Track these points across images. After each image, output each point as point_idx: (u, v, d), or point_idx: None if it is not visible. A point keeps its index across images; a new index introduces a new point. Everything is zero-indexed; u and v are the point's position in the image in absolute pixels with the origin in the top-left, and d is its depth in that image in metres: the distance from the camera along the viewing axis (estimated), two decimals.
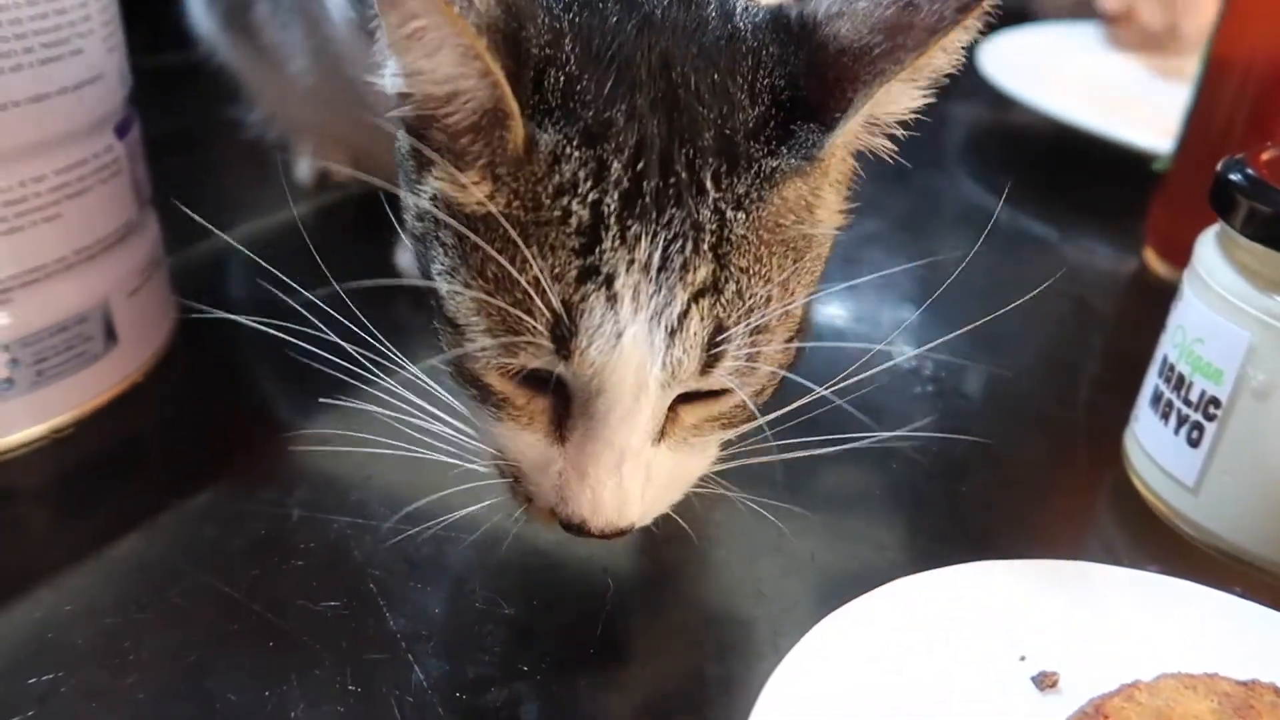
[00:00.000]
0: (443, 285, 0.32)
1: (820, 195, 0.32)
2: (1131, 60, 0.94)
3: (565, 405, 0.32)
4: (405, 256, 0.56)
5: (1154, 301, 0.46)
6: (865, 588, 0.34)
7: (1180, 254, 0.43)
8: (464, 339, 0.32)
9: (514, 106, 0.29)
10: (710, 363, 0.30)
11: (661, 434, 0.32)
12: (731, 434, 0.35)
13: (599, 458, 0.31)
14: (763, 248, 0.31)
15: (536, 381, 0.32)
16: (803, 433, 0.37)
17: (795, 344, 0.34)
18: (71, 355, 0.44)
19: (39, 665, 0.33)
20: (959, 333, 0.41)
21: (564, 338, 0.29)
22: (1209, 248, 0.40)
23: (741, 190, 0.30)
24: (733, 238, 0.30)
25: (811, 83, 0.31)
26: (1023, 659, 0.33)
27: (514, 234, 0.30)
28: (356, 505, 0.41)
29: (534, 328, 0.30)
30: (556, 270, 0.29)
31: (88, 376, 0.45)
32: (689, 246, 0.29)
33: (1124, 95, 0.86)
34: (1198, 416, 0.39)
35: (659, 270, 0.29)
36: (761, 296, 0.31)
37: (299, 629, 0.35)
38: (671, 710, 0.34)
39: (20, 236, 0.40)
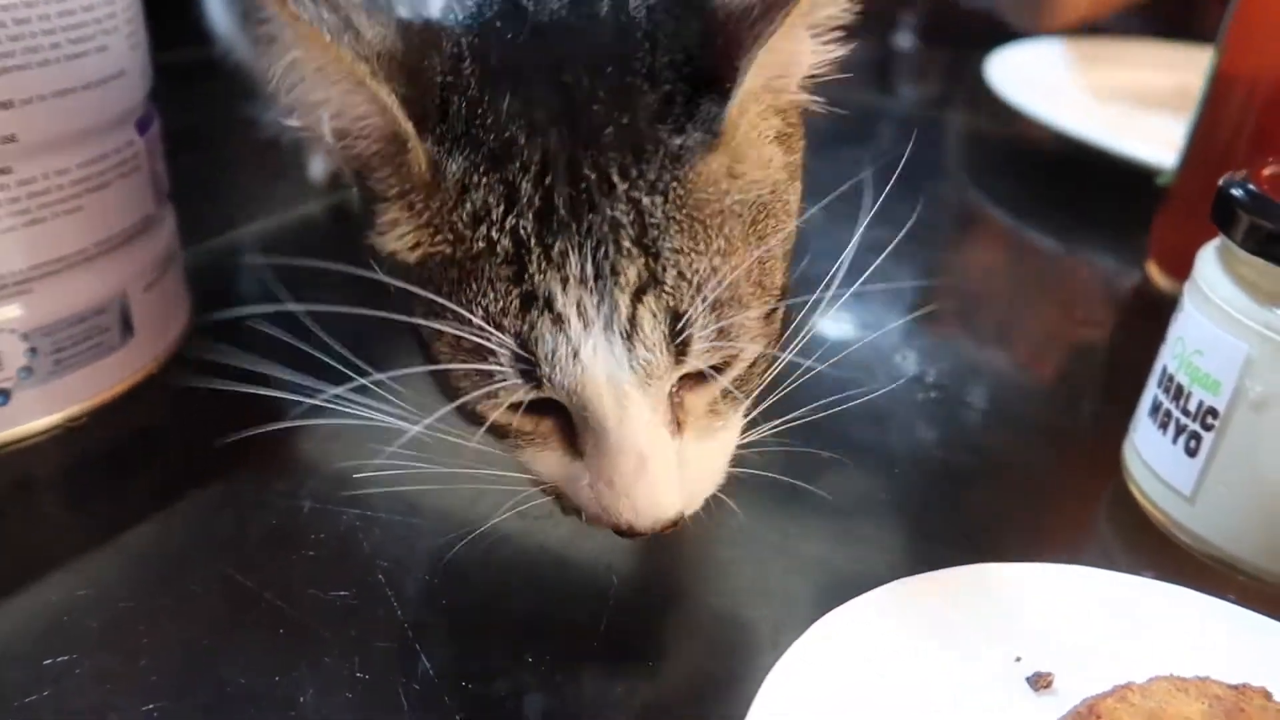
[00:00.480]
0: (423, 333, 0.32)
1: (746, 159, 0.32)
2: (1137, 74, 0.94)
3: (569, 421, 0.32)
4: None
5: (1155, 313, 0.47)
6: (867, 589, 0.35)
7: (1183, 267, 0.43)
8: (451, 387, 0.32)
9: (408, 128, 0.29)
10: (681, 350, 0.30)
11: (680, 424, 0.32)
12: (747, 403, 0.34)
13: (618, 466, 0.31)
14: (695, 225, 0.30)
15: (533, 407, 0.32)
16: (806, 433, 0.38)
17: (779, 316, 0.34)
18: (89, 346, 0.44)
19: (54, 647, 0.34)
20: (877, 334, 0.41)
21: (528, 370, 0.30)
22: (1209, 261, 0.40)
23: (652, 176, 0.30)
24: (657, 224, 0.30)
25: (708, 53, 0.31)
26: (1018, 660, 0.33)
27: (451, 275, 0.30)
28: (365, 498, 0.41)
29: (498, 368, 0.30)
30: (500, 304, 0.30)
31: (104, 367, 0.45)
32: (612, 249, 0.29)
33: (1129, 108, 0.87)
34: (1195, 426, 0.39)
35: (595, 279, 0.29)
36: (707, 269, 0.30)
37: (309, 617, 0.36)
38: (673, 704, 0.35)
39: (43, 228, 0.41)
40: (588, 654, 0.36)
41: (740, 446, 0.36)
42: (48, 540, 0.39)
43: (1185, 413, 0.40)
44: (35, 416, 0.44)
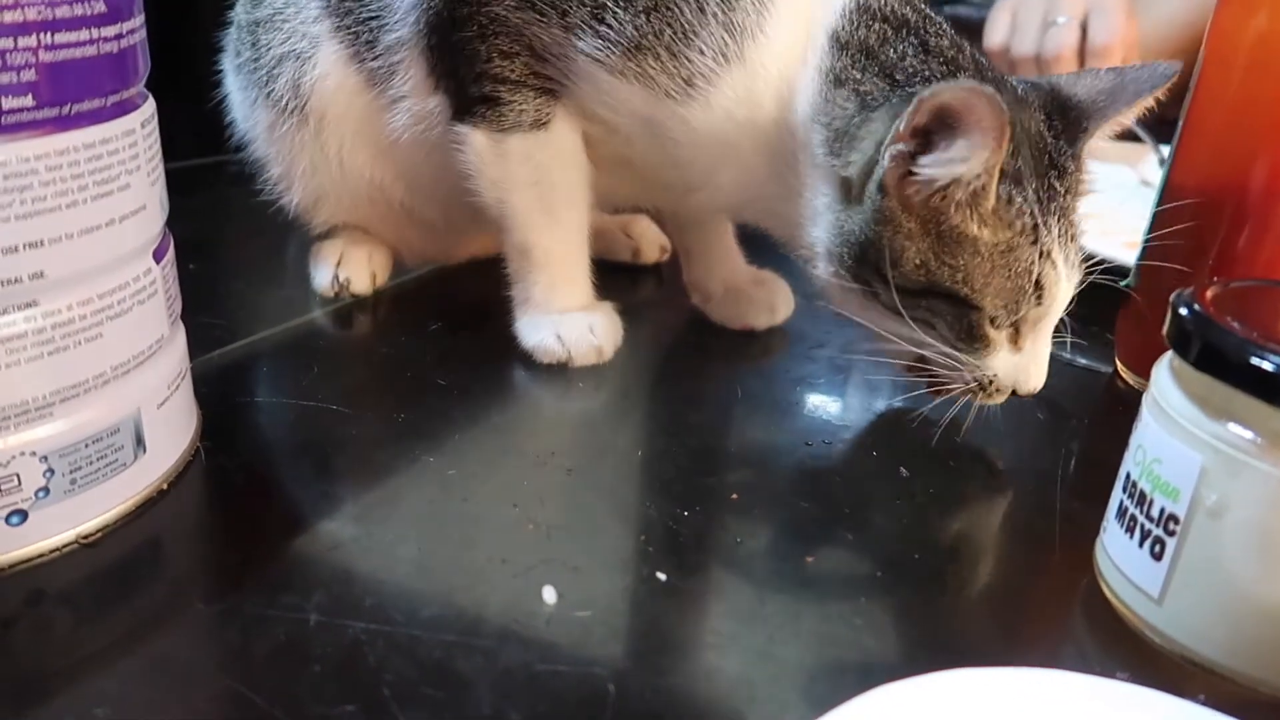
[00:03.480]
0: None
1: None
2: (1117, 168, 0.99)
3: (1018, 333, 0.56)
4: None
5: (1127, 410, 0.49)
6: (853, 691, 0.36)
7: (1146, 368, 0.46)
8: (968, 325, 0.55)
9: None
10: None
11: None
12: None
13: (1039, 352, 0.57)
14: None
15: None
16: (785, 534, 0.39)
17: None
18: (103, 465, 0.46)
19: None
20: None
21: (1039, 294, 0.55)
22: (1164, 374, 0.43)
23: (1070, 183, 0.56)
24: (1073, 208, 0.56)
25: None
26: None
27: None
28: (372, 610, 0.43)
29: (1029, 295, 0.54)
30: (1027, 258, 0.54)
31: (117, 484, 0.47)
32: (1068, 226, 0.56)
33: (1108, 204, 0.90)
34: (1159, 531, 0.42)
35: (1064, 238, 0.55)
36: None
37: None
38: None
39: (65, 355, 0.43)
40: None
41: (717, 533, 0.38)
42: (62, 657, 0.41)
43: (1149, 518, 0.42)
44: (50, 534, 0.45)
